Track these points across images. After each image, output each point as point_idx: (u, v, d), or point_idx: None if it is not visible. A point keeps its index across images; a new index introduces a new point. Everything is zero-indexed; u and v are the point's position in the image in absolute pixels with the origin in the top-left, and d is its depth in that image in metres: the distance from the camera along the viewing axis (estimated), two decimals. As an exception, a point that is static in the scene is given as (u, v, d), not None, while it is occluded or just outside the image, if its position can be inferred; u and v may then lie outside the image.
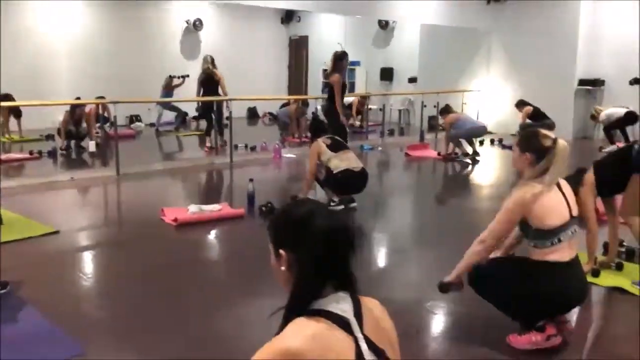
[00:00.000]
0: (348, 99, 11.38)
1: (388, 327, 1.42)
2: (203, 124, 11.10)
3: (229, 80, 9.78)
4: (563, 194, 2.89)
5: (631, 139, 9.76)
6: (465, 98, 12.61)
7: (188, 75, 12.22)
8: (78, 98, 10.29)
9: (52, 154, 8.99)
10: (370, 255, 4.57)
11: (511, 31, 12.34)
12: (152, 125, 12.79)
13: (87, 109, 9.92)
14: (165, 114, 12.59)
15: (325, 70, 13.11)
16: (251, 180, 5.96)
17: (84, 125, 9.71)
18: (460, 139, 9.19)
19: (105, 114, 11.00)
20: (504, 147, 10.29)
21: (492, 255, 3.04)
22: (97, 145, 9.50)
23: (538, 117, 9.90)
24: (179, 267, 4.22)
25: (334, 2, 10.21)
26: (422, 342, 3.09)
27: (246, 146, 9.69)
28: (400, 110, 14.53)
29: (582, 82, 11.64)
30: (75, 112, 9.51)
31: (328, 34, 15.74)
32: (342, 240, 1.34)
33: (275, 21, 16.70)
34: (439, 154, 9.44)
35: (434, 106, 10.97)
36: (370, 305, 1.40)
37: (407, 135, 12.28)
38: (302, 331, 1.25)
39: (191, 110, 12.66)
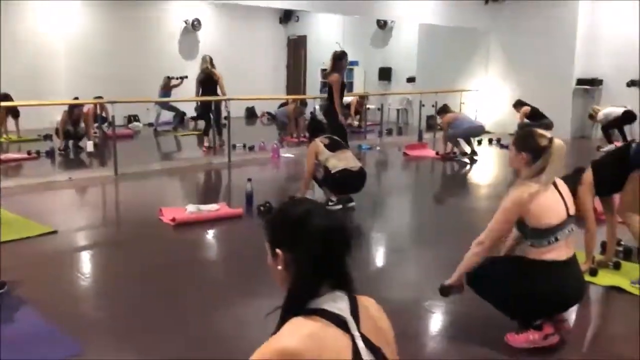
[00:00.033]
0: (347, 98, 11.38)
1: (385, 326, 1.42)
2: (201, 123, 11.10)
3: (227, 80, 9.77)
4: (560, 193, 2.90)
5: (629, 138, 9.77)
6: (464, 98, 12.60)
7: (186, 77, 12.19)
8: (76, 98, 10.28)
9: (50, 154, 8.98)
10: (368, 255, 4.57)
11: (509, 31, 12.36)
12: (150, 125, 12.78)
13: (85, 109, 9.91)
14: (163, 114, 12.59)
15: (324, 70, 13.11)
16: (249, 180, 5.96)
17: (82, 125, 9.69)
18: (459, 139, 9.21)
19: (103, 114, 10.99)
20: (502, 146, 10.29)
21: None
22: (95, 145, 9.50)
23: (536, 117, 9.90)
24: (177, 267, 4.22)
25: (332, 1, 10.21)
26: (420, 342, 3.10)
27: (244, 146, 9.69)
28: (398, 110, 14.54)
29: (580, 82, 11.66)
30: (73, 112, 9.50)
31: (326, 34, 15.74)
32: (339, 239, 1.34)
33: (273, 21, 16.70)
34: (437, 153, 9.45)
35: (432, 106, 10.96)
36: (367, 303, 1.40)
37: (405, 134, 12.28)
38: (298, 330, 1.25)
39: (190, 110, 12.65)
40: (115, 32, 13.18)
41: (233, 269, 4.33)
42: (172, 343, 3.01)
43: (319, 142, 5.77)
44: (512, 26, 12.29)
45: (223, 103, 9.41)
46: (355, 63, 14.54)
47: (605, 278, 3.91)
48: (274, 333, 1.29)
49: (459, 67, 13.11)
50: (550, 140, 2.86)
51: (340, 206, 5.74)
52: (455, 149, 9.26)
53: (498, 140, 10.72)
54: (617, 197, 4.12)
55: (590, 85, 11.63)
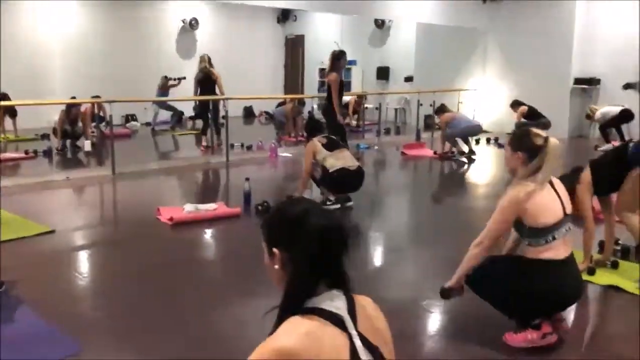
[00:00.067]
0: (345, 98, 11.37)
1: (382, 325, 1.42)
2: (199, 123, 11.09)
3: (225, 79, 9.76)
4: (556, 192, 2.90)
5: (626, 137, 9.78)
6: (461, 97, 12.62)
7: (184, 78, 12.15)
8: (73, 97, 10.26)
9: (47, 153, 8.97)
10: (366, 254, 4.57)
11: (507, 31, 12.37)
12: (147, 124, 12.77)
13: (82, 109, 9.90)
14: (161, 113, 12.57)
15: (322, 70, 13.11)
16: (247, 179, 5.95)
17: (80, 124, 9.69)
18: (456, 138, 9.22)
19: (101, 114, 10.96)
20: (499, 146, 10.29)
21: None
22: (92, 144, 9.50)
23: (533, 116, 9.91)
24: (175, 267, 4.21)
25: (330, 1, 10.22)
26: (418, 341, 3.09)
27: (242, 145, 9.69)
28: (396, 109, 14.54)
29: (577, 81, 11.68)
30: (71, 111, 9.49)
31: (324, 33, 15.74)
32: (336, 239, 1.34)
33: (271, 20, 16.70)
34: (435, 152, 9.46)
35: (430, 105, 10.98)
36: (364, 303, 1.40)
37: (403, 134, 12.28)
38: (295, 330, 1.25)
39: (188, 109, 12.65)
40: (112, 32, 13.17)
41: (231, 269, 4.32)
42: (171, 342, 3.00)
43: (317, 142, 5.77)
44: (509, 26, 12.31)
45: (221, 102, 9.41)
46: (353, 62, 14.55)
47: (603, 277, 3.92)
48: (272, 332, 1.29)
49: (456, 66, 13.12)
50: (546, 139, 2.87)
51: (338, 205, 5.74)
52: (453, 149, 9.27)
53: (496, 140, 10.73)
54: (614, 197, 4.13)
55: (587, 84, 11.64)
